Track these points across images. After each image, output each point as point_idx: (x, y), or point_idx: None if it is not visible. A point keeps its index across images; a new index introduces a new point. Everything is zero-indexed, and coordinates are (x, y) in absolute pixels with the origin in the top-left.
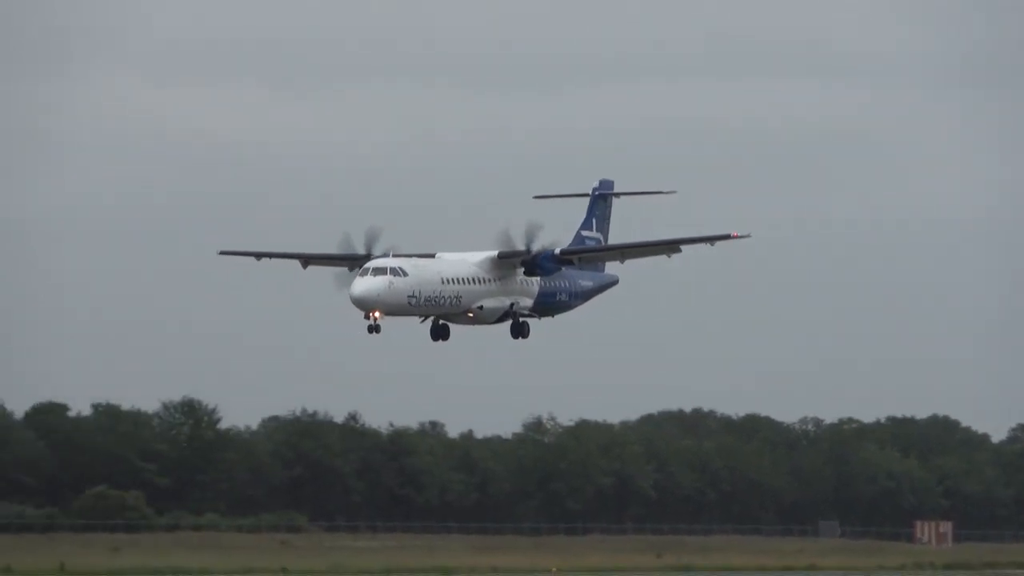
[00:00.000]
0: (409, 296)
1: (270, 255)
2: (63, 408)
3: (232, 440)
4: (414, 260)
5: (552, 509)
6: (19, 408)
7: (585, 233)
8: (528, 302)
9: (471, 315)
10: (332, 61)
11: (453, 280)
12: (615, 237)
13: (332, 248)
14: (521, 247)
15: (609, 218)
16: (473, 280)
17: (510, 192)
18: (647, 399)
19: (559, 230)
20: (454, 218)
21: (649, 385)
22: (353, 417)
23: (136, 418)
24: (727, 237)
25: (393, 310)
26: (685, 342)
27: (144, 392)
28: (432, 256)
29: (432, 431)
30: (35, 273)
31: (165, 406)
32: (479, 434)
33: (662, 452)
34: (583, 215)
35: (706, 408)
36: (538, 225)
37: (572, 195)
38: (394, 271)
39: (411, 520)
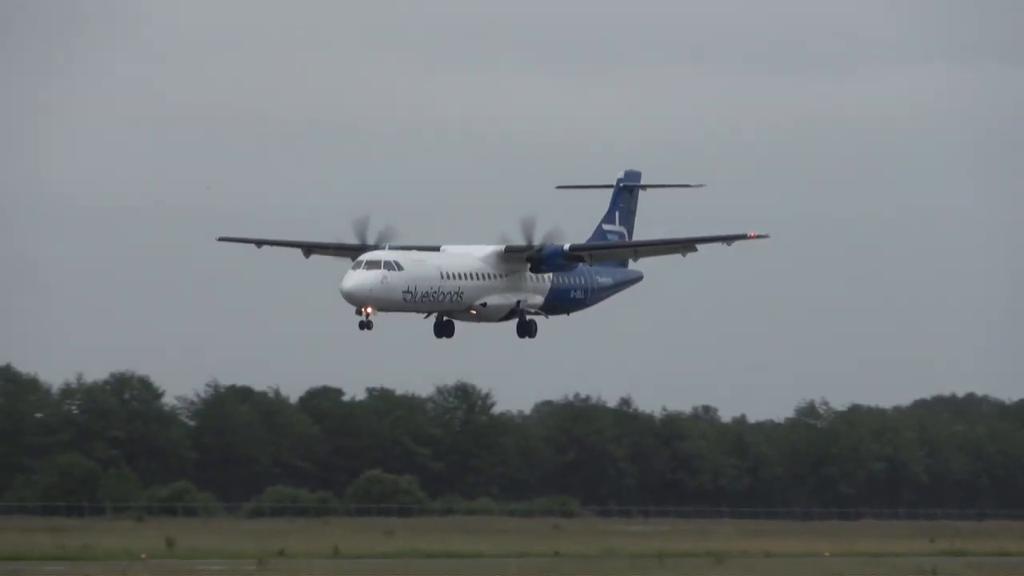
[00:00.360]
0: (404, 292)
1: (271, 242)
2: (338, 393)
3: (505, 425)
4: (412, 253)
5: (824, 494)
6: (294, 393)
7: (607, 227)
8: (538, 299)
9: (474, 312)
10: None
11: (454, 275)
12: (642, 232)
13: (345, 236)
14: (528, 242)
15: (635, 212)
16: (477, 275)
17: (535, 180)
18: (919, 384)
19: (583, 222)
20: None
21: (921, 370)
22: (626, 402)
23: (410, 403)
24: (743, 237)
25: (387, 306)
26: (957, 326)
27: (418, 377)
28: (436, 249)
29: (705, 416)
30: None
31: (439, 391)
32: (752, 419)
33: (934, 437)
34: (607, 207)
35: (979, 393)
36: (546, 219)
37: (596, 186)
38: (388, 265)
39: (683, 505)
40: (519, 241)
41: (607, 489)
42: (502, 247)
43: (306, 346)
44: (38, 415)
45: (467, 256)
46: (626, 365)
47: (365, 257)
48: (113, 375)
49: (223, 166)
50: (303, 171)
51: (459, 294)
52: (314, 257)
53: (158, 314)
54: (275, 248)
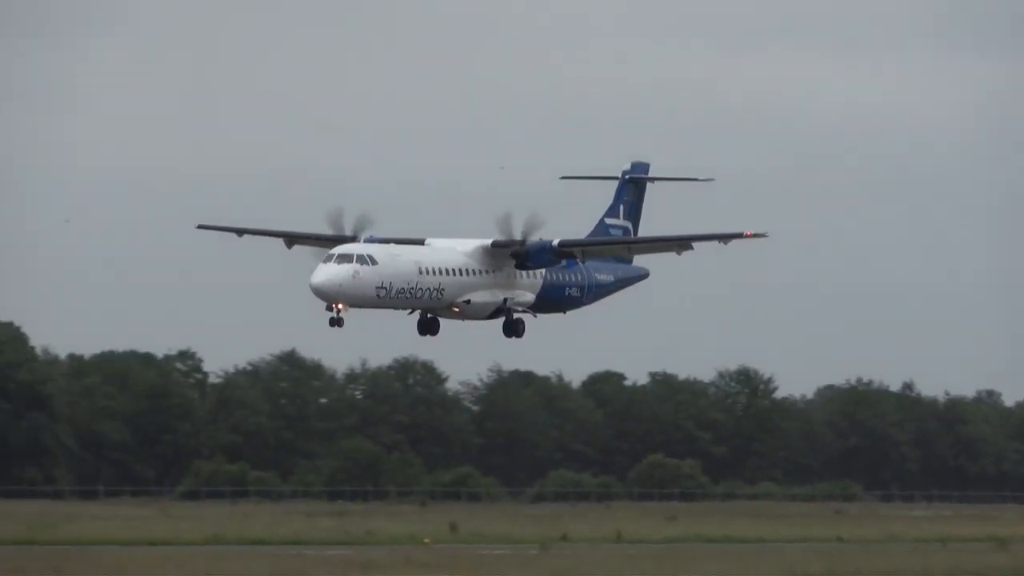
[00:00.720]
0: (378, 287)
1: (251, 231)
2: (620, 377)
3: (788, 409)
4: (388, 247)
5: None
6: (576, 378)
7: (610, 221)
8: (529, 297)
9: (456, 309)
10: None
11: (434, 271)
12: (650, 227)
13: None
14: (515, 236)
15: (641, 205)
16: (460, 271)
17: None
18: None
19: (587, 215)
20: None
21: None
22: (908, 386)
23: (692, 387)
24: (739, 236)
25: (359, 302)
26: None
27: (700, 361)
28: (420, 242)
29: (988, 400)
30: None
31: (721, 375)
32: None
33: None
34: (611, 200)
35: None
36: (532, 213)
37: (601, 177)
38: (361, 259)
39: (966, 489)
40: (508, 235)
41: (889, 473)
42: (488, 241)
43: (588, 331)
44: (323, 400)
45: (450, 251)
46: (907, 350)
47: (337, 250)
48: (397, 360)
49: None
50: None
51: (439, 291)
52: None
53: None
54: (256, 238)
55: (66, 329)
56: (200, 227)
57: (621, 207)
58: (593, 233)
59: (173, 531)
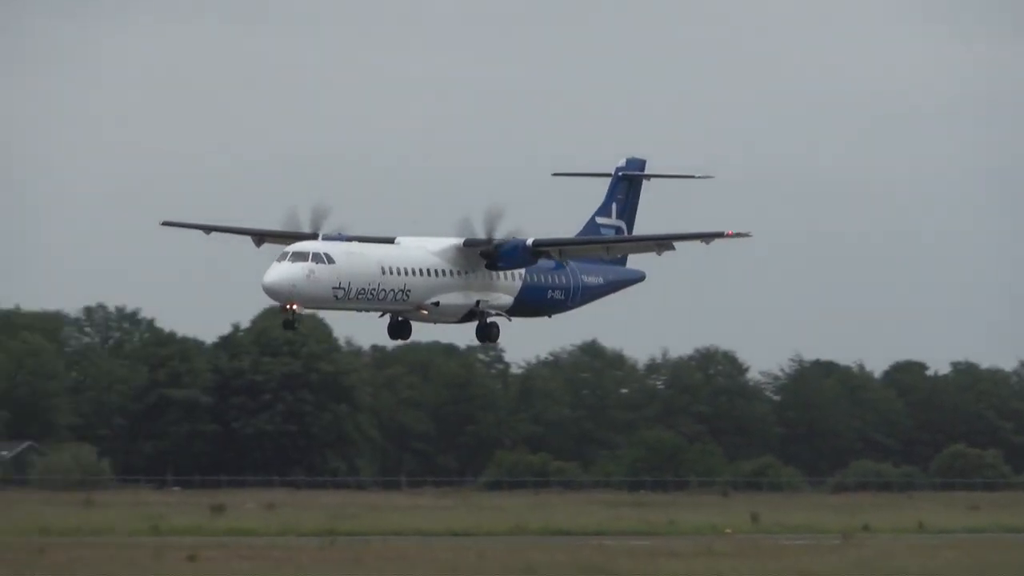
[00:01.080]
0: (335, 288)
1: (219, 229)
2: (921, 367)
3: None
4: (348, 245)
5: None
6: (878, 367)
7: (601, 220)
8: (505, 300)
9: (424, 312)
10: None
11: (399, 271)
12: (647, 226)
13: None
14: (487, 236)
15: (636, 204)
16: (428, 271)
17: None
18: None
19: (577, 214)
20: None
21: None
22: None
23: (994, 377)
24: (720, 235)
25: (314, 303)
26: None
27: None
28: (391, 241)
29: None
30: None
31: (1022, 364)
32: None
33: None
34: (602, 198)
35: None
36: (500, 209)
37: (594, 174)
38: (317, 257)
39: None
40: (476, 234)
41: None
42: (460, 240)
43: (889, 320)
44: (624, 391)
45: (419, 250)
46: None
47: (291, 248)
48: (698, 351)
49: None
50: None
51: (405, 292)
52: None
53: (745, 289)
54: (225, 235)
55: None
56: (165, 223)
57: (614, 205)
58: (583, 233)
59: (475, 522)
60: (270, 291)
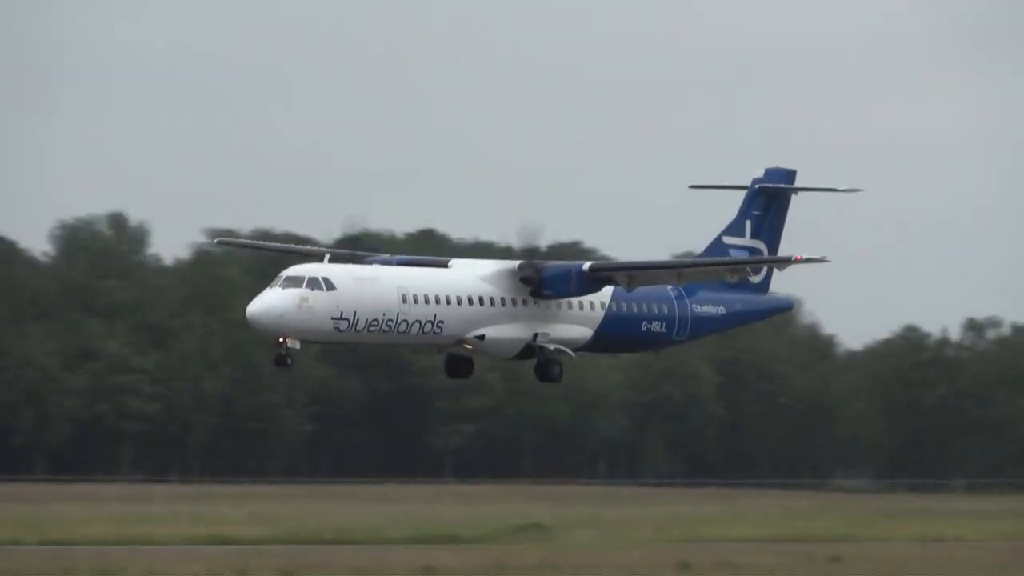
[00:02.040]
0: (335, 318)
1: (275, 249)
2: None
3: None
4: (360, 268)
5: None
6: None
7: (730, 240)
8: (579, 332)
9: (469, 347)
10: None
11: (428, 299)
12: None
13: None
14: (528, 259)
15: (780, 222)
16: (469, 300)
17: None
18: None
19: (712, 230)
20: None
21: None
22: None
23: None
24: (788, 261)
25: (310, 336)
26: None
27: None
28: (444, 264)
29: None
30: None
31: None
32: None
33: None
34: (735, 215)
35: None
36: (538, 226)
37: (734, 187)
38: (313, 282)
39: None
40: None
41: None
42: (515, 263)
43: None
44: None
45: (462, 274)
46: None
47: (286, 272)
48: None
49: None
50: None
51: (437, 323)
52: None
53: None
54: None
55: None
56: (220, 242)
57: (747, 224)
58: (707, 255)
59: None
60: (253, 322)
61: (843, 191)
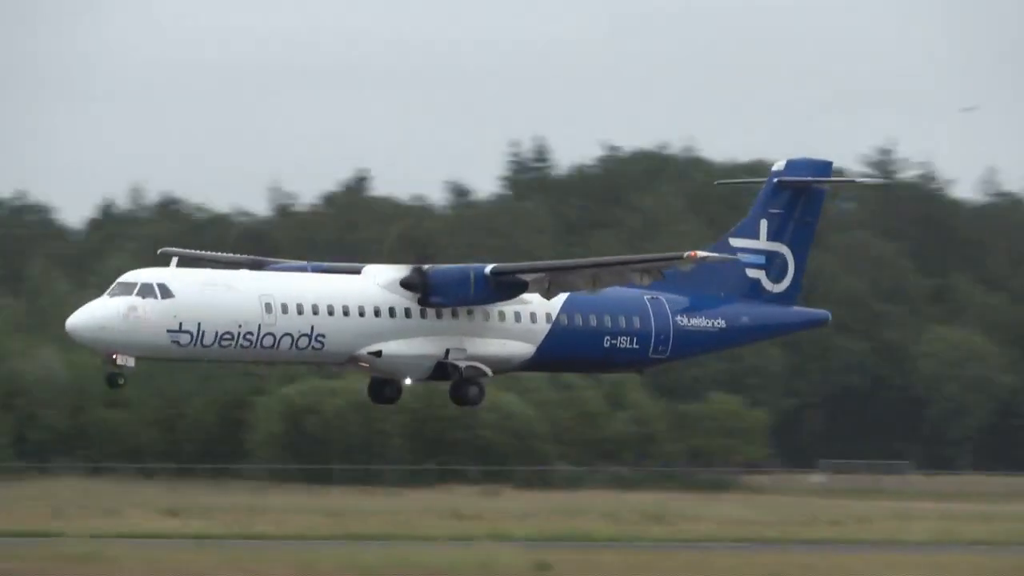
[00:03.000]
0: (172, 331)
1: (219, 260)
2: None
3: None
4: (212, 273)
5: None
6: None
7: (739, 242)
8: (517, 349)
9: (364, 365)
10: None
11: (302, 308)
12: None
13: None
14: (415, 263)
15: (811, 221)
16: (361, 310)
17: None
18: None
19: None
20: None
21: None
22: None
23: None
24: (678, 258)
25: (142, 351)
26: None
27: None
28: (357, 271)
29: None
30: None
31: None
32: None
33: None
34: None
35: None
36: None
37: (758, 181)
38: (146, 289)
39: None
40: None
41: None
42: (423, 266)
43: None
44: None
45: (354, 283)
46: None
47: (122, 277)
48: None
49: None
50: None
51: (315, 338)
52: None
53: None
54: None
55: None
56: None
57: (763, 224)
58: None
59: None
60: (72, 334)
61: (872, 182)
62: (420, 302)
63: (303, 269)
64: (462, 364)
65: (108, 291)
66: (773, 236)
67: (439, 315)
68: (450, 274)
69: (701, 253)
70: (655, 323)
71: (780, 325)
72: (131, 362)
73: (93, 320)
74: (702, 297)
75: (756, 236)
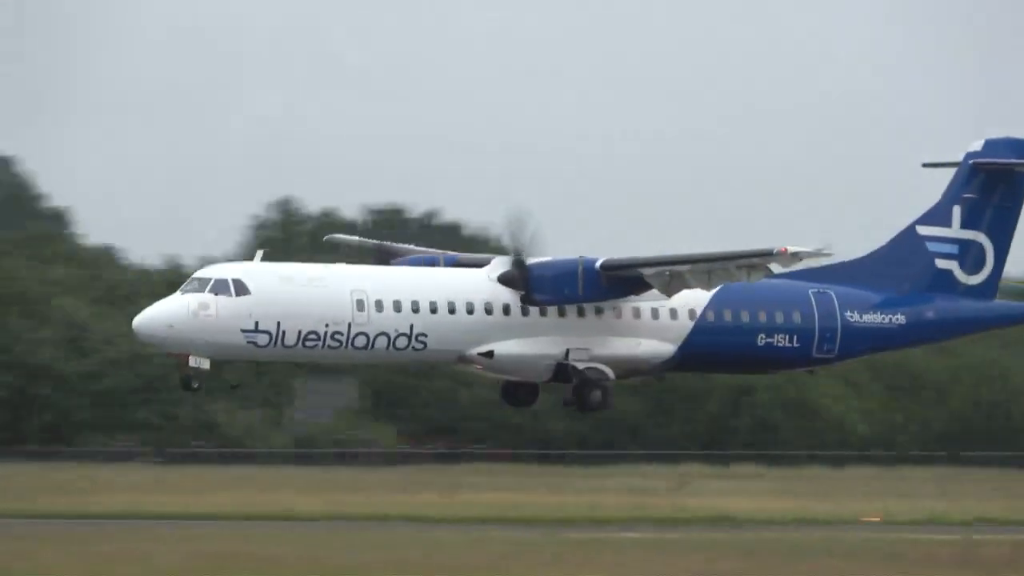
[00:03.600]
0: (247, 330)
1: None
2: None
3: None
4: (298, 267)
5: None
6: None
7: (927, 230)
8: (654, 348)
9: (479, 367)
10: None
11: (402, 305)
12: None
13: None
14: (515, 256)
15: (1015, 209)
16: (469, 306)
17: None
18: None
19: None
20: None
21: None
22: None
23: None
24: (769, 255)
25: (218, 352)
26: None
27: None
28: (487, 263)
29: None
30: None
31: None
32: None
33: None
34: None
35: None
36: (525, 218)
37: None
38: (221, 286)
39: None
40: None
41: None
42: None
43: None
44: None
45: (463, 276)
46: None
47: (198, 274)
48: None
49: None
50: None
51: (416, 337)
52: None
53: None
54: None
55: None
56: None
57: (956, 210)
58: (893, 248)
59: None
60: (139, 333)
61: None
62: (523, 300)
63: (434, 262)
64: (582, 365)
65: (182, 287)
66: (967, 223)
67: (562, 312)
68: (555, 268)
69: (792, 248)
70: (819, 319)
71: (974, 320)
72: (206, 364)
73: (160, 319)
74: (879, 290)
75: (948, 223)
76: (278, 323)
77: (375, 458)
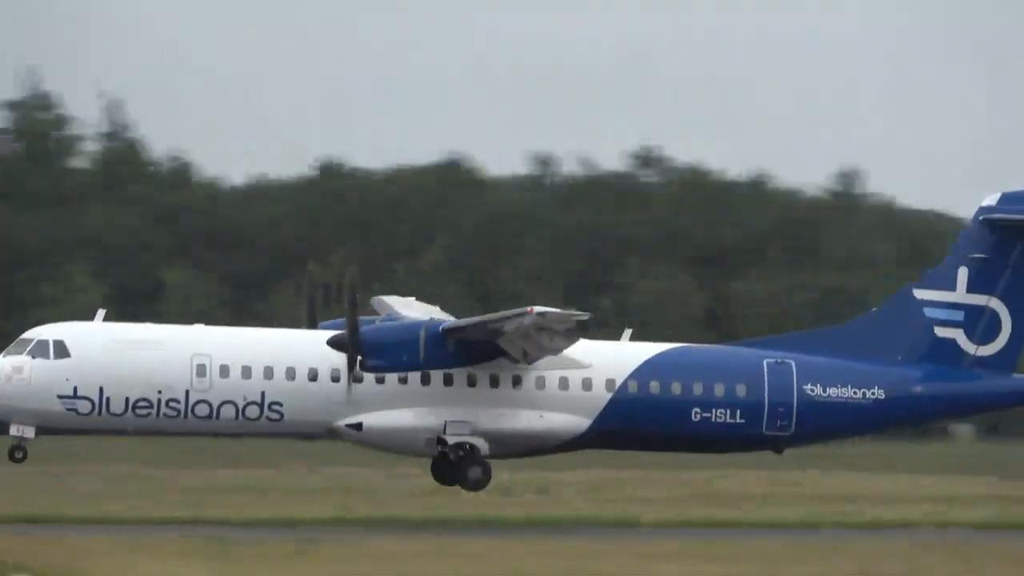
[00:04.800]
0: (65, 396)
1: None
2: None
3: None
4: (135, 328)
5: None
6: None
7: (924, 294)
8: (558, 422)
9: (352, 439)
10: None
11: (253, 370)
12: None
13: None
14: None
15: None
16: (335, 372)
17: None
18: None
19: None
20: None
21: None
22: None
23: None
24: (522, 315)
25: (35, 419)
26: None
27: None
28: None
29: None
30: None
31: None
32: None
33: None
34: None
35: None
36: (356, 276)
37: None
38: (41, 348)
39: None
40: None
41: None
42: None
43: None
44: None
45: (320, 336)
46: None
47: (26, 333)
48: None
49: None
50: None
51: (268, 406)
52: None
53: None
54: None
55: None
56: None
57: (962, 272)
58: (886, 314)
59: None
60: None
61: None
62: (358, 366)
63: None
64: (453, 440)
65: (7, 348)
66: (976, 287)
67: (447, 381)
68: (372, 334)
69: (539, 308)
70: (769, 392)
71: (977, 397)
72: (30, 432)
73: None
74: (865, 360)
75: (951, 287)
76: (100, 389)
77: None
